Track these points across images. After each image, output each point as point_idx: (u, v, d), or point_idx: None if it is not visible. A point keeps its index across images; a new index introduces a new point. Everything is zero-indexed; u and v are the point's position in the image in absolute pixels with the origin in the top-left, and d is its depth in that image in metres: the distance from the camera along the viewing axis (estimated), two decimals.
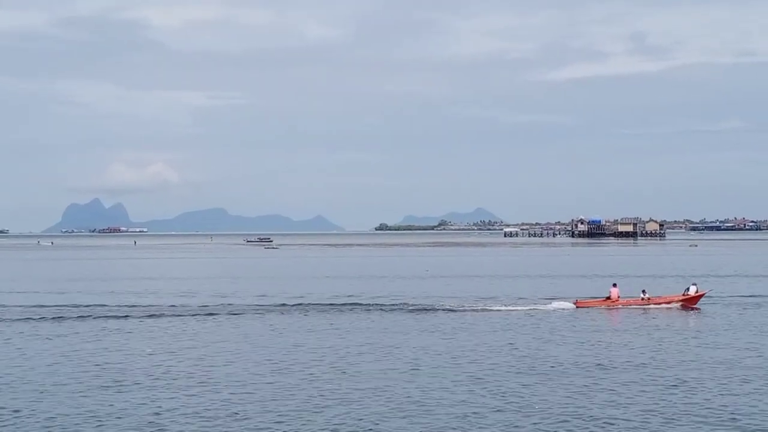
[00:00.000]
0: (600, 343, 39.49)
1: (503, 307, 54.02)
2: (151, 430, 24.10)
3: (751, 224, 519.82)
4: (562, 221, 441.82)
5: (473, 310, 52.76)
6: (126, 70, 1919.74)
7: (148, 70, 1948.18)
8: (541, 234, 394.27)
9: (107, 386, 29.67)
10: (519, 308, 53.58)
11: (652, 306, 54.14)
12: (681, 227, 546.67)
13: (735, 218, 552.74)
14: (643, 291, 56.53)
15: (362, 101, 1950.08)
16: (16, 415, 25.70)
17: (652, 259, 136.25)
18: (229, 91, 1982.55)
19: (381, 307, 54.63)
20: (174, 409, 26.27)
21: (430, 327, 45.22)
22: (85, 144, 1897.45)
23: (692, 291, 55.39)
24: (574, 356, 35.50)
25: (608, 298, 55.11)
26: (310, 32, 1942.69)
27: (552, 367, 32.98)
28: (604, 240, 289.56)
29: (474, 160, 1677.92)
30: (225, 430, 24.09)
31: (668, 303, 54.78)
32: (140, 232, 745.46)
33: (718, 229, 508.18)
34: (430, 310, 53.27)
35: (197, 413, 25.74)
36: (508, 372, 31.97)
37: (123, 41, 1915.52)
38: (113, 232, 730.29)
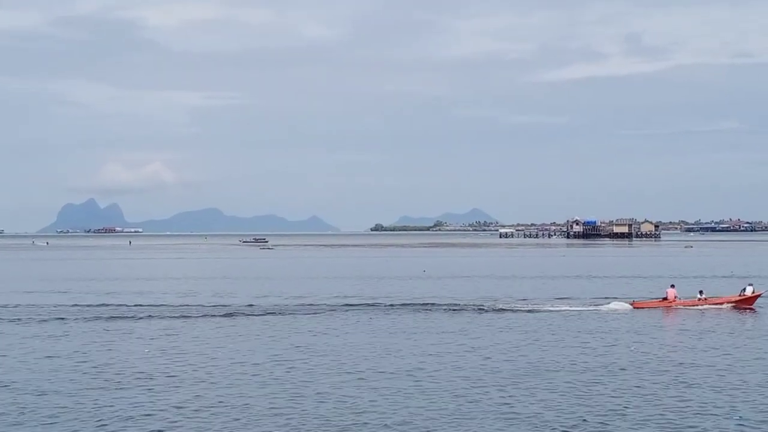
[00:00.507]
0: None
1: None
2: (151, 429, 24.06)
3: (746, 225, 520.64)
4: (558, 222, 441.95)
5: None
6: (124, 69, 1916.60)
7: (146, 70, 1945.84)
8: (537, 235, 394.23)
9: (105, 387, 29.62)
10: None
11: (708, 306, 54.15)
12: (676, 228, 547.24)
13: (730, 219, 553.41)
14: (700, 291, 56.54)
15: (362, 101, 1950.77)
16: (16, 415, 25.64)
17: (647, 260, 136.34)
18: (227, 91, 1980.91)
19: (389, 307, 54.72)
20: (172, 409, 26.22)
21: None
22: (82, 144, 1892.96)
23: (749, 291, 55.55)
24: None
25: (665, 298, 55.22)
26: (310, 32, 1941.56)
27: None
28: (599, 241, 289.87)
29: (471, 160, 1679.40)
30: (223, 430, 24.08)
31: (725, 303, 54.86)
32: (135, 232, 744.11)
33: (713, 230, 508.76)
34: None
35: (196, 413, 25.68)
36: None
37: (121, 41, 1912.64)
38: (108, 232, 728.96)
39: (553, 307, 54.62)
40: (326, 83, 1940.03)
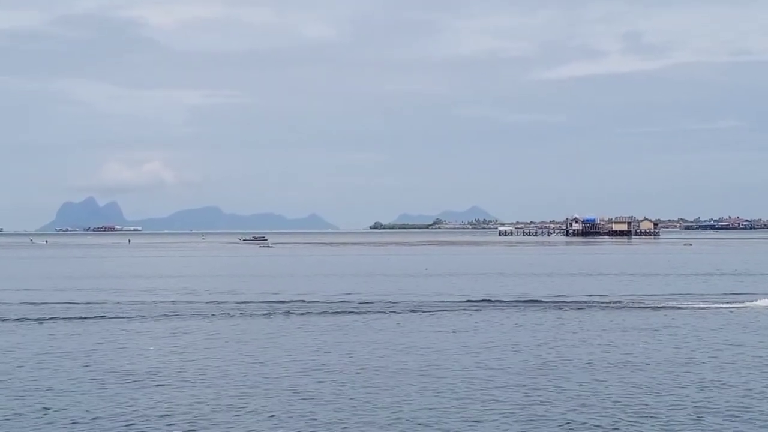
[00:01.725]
0: None
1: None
2: (155, 427, 23.73)
3: (745, 223, 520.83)
4: (557, 220, 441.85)
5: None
6: (124, 69, 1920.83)
7: (146, 69, 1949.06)
8: (536, 233, 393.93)
9: (110, 385, 29.28)
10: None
11: None
12: (675, 226, 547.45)
13: (729, 217, 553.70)
14: None
15: (362, 101, 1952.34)
16: (20, 414, 25.28)
17: (648, 257, 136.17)
18: (227, 90, 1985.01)
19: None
20: (177, 406, 25.87)
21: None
22: (82, 143, 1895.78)
23: None
24: None
25: None
26: (310, 32, 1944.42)
27: None
28: (599, 239, 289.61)
29: (470, 158, 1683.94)
30: (227, 428, 23.74)
31: None
32: (135, 230, 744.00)
33: (712, 228, 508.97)
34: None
35: (200, 411, 25.33)
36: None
37: (122, 40, 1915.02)
38: (108, 230, 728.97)
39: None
40: (326, 83, 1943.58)
